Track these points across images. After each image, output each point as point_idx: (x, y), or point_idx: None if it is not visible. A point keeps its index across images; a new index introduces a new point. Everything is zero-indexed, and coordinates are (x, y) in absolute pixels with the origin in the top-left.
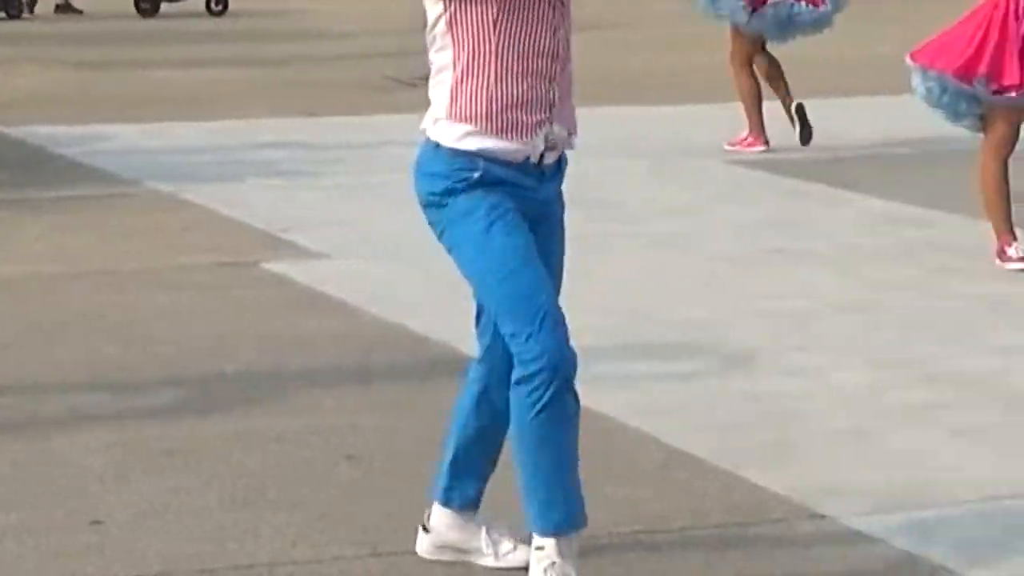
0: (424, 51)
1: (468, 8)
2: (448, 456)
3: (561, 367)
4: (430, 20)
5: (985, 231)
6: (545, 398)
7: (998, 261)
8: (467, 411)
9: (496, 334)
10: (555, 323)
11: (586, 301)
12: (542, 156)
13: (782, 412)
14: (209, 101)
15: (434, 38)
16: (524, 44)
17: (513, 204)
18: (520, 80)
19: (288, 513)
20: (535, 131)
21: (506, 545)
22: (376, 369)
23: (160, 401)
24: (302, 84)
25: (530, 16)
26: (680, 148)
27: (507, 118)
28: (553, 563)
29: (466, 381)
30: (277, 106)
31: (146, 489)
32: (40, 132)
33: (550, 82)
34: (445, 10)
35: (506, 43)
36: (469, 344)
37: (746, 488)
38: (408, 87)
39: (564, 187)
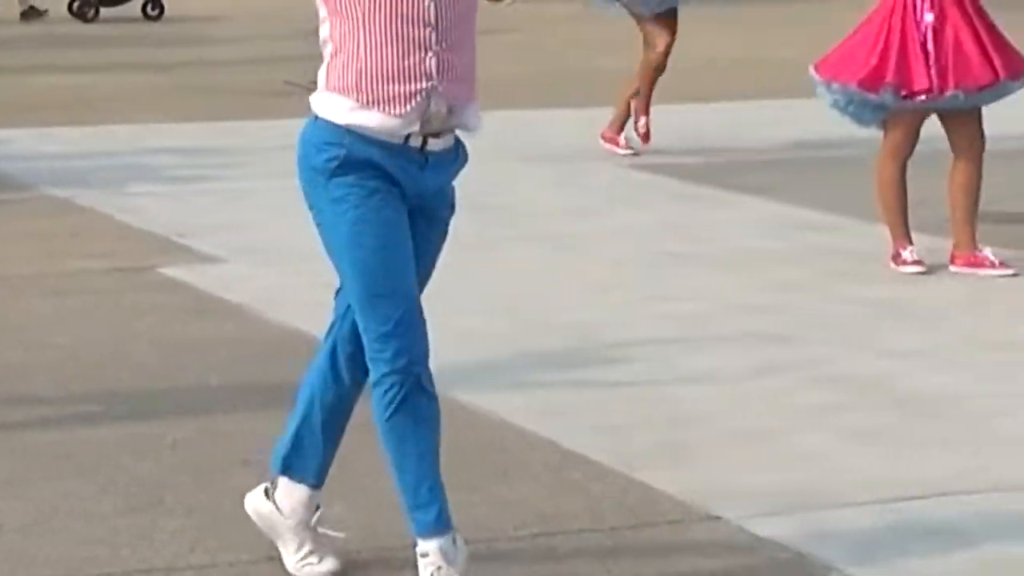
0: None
1: None
2: (292, 426)
3: (412, 369)
4: None
5: (882, 235)
6: (398, 399)
7: (893, 264)
8: (312, 382)
9: (348, 311)
10: (409, 325)
11: (479, 305)
12: (425, 141)
13: (677, 414)
14: (104, 105)
15: (317, 12)
16: (394, 11)
17: (388, 194)
18: (389, 49)
19: (184, 518)
20: (407, 103)
21: (308, 549)
22: (272, 373)
23: (54, 407)
24: (201, 89)
25: None
26: (577, 152)
27: (377, 90)
28: (439, 567)
29: (318, 352)
30: (175, 111)
31: (41, 495)
32: None
33: (425, 51)
34: None
35: (375, 11)
36: None
37: (642, 490)
38: (307, 91)
39: (457, 188)
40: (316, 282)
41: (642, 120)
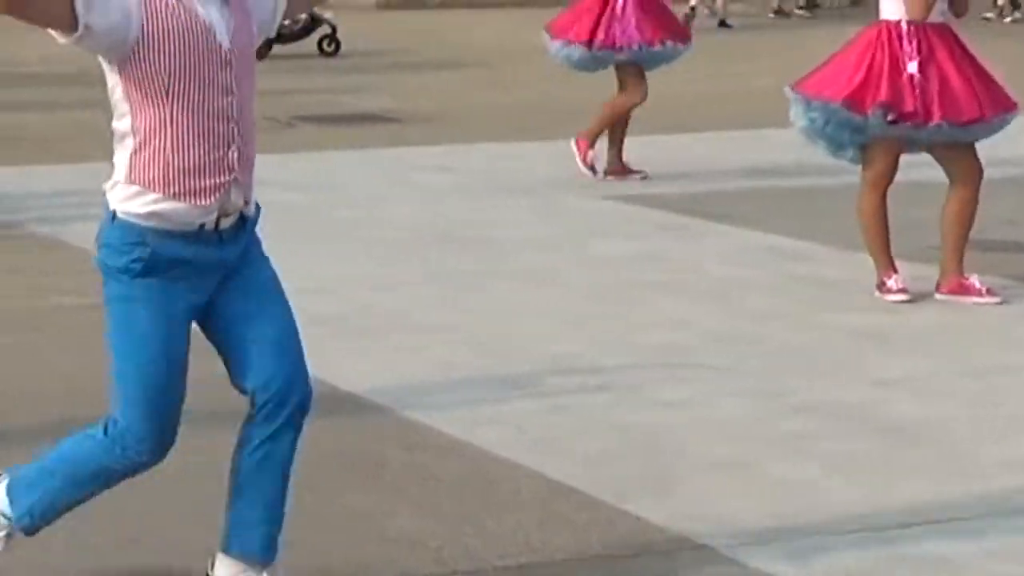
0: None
1: (141, 76)
2: (228, 501)
3: (147, 465)
4: (109, 87)
5: (861, 263)
6: (116, 478)
7: (878, 293)
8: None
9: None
10: (165, 430)
11: (460, 336)
12: (218, 221)
13: (660, 443)
14: (65, 142)
15: (115, 105)
16: (202, 108)
17: (187, 290)
18: (196, 145)
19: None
20: (212, 196)
21: None
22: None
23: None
24: None
25: (203, 80)
26: (554, 182)
27: (185, 183)
28: None
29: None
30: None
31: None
32: None
33: (228, 146)
34: (120, 78)
35: (184, 107)
36: (350, 382)
37: (627, 520)
38: (285, 127)
39: (435, 221)
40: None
41: (590, 153)
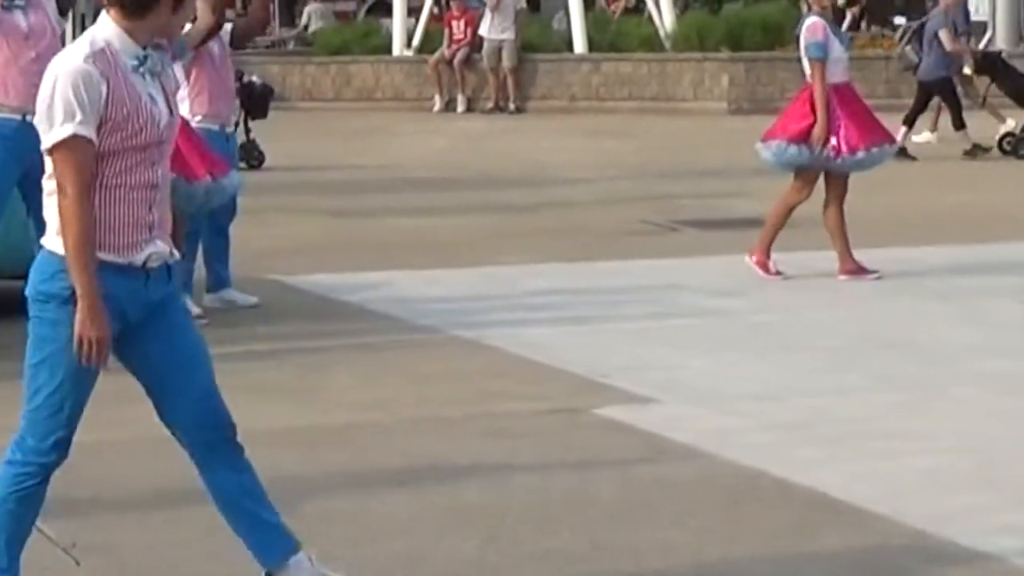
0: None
1: (75, 147)
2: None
3: (50, 469)
4: (44, 149)
5: None
6: (31, 487)
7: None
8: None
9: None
10: (67, 439)
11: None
12: (146, 261)
13: None
14: (466, 247)
15: (49, 165)
16: (129, 177)
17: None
18: (125, 207)
19: None
20: (139, 249)
21: None
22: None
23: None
24: (551, 230)
25: (133, 154)
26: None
27: (113, 240)
28: None
29: None
30: (533, 252)
31: None
32: (312, 280)
33: (150, 208)
34: (50, 153)
35: (112, 177)
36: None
37: None
38: (668, 230)
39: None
40: (761, 424)
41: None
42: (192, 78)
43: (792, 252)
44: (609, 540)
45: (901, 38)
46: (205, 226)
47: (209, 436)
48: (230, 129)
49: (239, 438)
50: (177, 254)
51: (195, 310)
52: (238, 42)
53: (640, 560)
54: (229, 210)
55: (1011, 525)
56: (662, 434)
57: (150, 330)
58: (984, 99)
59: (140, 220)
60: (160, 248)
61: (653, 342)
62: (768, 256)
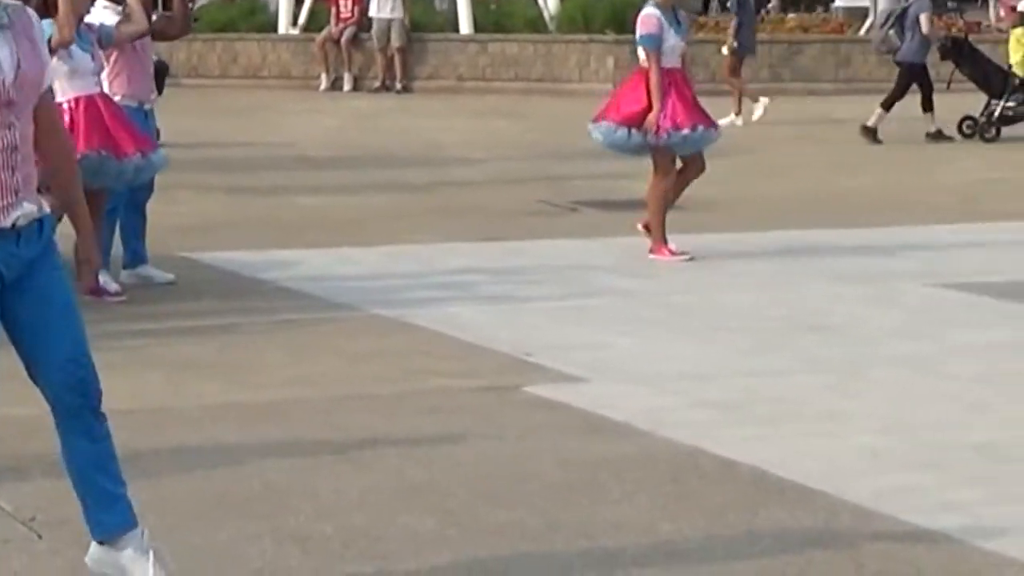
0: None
1: None
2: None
3: None
4: None
5: None
6: None
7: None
8: None
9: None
10: None
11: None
12: (15, 222)
13: None
14: (370, 226)
15: None
16: None
17: None
18: None
19: None
20: (5, 215)
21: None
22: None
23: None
24: (451, 209)
25: None
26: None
27: None
28: None
29: None
30: (435, 231)
31: None
32: (223, 258)
33: (13, 172)
34: None
35: None
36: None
37: None
38: (567, 211)
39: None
40: (694, 402)
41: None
42: (112, 59)
43: (700, 234)
44: (561, 517)
45: (884, 23)
46: (122, 203)
47: (75, 400)
48: (148, 107)
49: (102, 408)
50: (47, 207)
51: (113, 286)
52: (154, 36)
53: (594, 537)
54: (147, 187)
55: (951, 502)
56: (596, 412)
57: (21, 287)
58: (949, 83)
59: (3, 184)
60: (27, 209)
61: (574, 321)
62: (665, 242)
